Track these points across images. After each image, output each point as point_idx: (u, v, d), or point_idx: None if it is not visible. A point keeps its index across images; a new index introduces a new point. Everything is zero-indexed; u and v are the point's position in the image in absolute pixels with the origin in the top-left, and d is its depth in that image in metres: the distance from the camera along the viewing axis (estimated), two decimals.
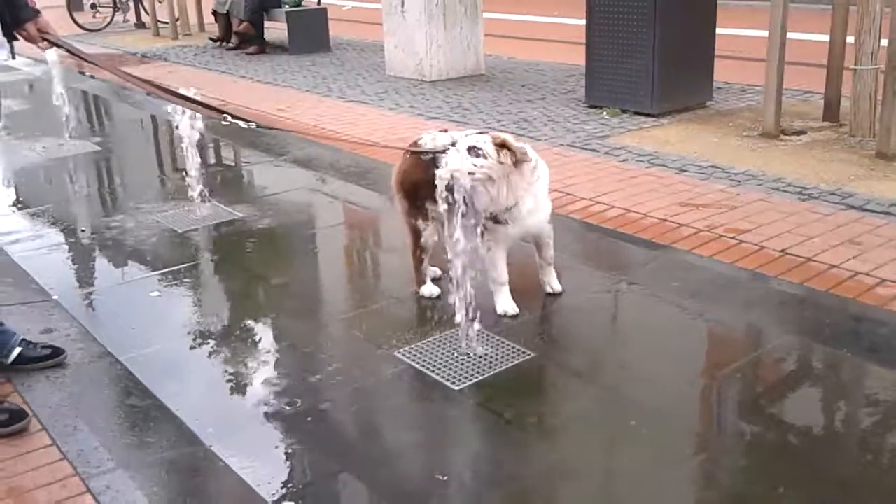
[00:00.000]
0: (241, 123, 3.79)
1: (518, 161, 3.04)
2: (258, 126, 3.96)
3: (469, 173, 2.91)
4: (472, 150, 2.95)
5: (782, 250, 3.76)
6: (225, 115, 3.79)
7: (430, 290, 3.56)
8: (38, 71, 9.90)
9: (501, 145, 3.00)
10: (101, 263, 4.27)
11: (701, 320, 3.39)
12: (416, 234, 3.42)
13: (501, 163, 2.99)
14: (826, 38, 5.80)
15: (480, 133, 3.09)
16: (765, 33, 5.54)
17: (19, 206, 5.25)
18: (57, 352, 3.12)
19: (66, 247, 4.48)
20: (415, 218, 3.39)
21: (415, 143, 3.35)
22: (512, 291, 3.38)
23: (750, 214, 4.20)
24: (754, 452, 2.58)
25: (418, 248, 3.46)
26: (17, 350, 3.01)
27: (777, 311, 3.42)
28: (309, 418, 2.77)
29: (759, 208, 4.28)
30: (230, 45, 10.73)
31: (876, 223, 4.03)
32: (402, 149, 3.49)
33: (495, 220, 3.19)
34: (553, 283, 3.53)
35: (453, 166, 2.90)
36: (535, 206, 3.20)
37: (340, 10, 14.78)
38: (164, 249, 4.32)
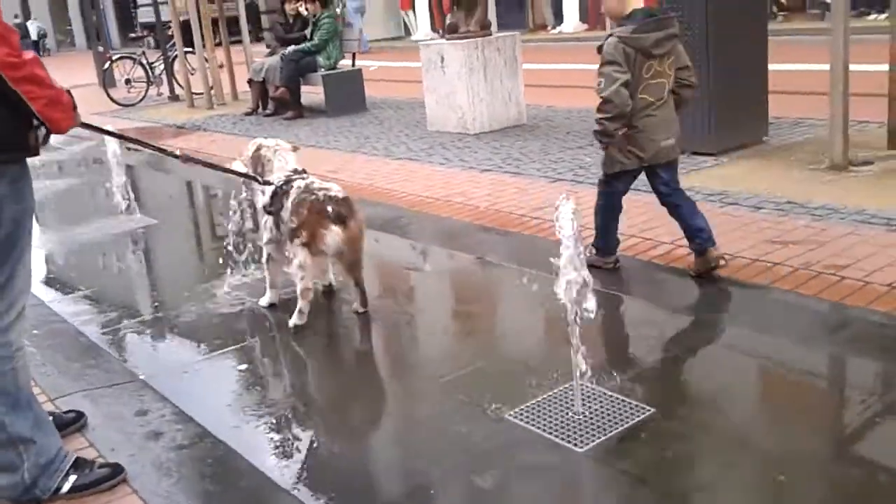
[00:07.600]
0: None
1: None
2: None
3: None
4: None
5: (889, 284, 3.62)
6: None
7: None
8: (77, 149, 9.99)
9: None
10: (181, 340, 4.14)
11: (822, 362, 3.24)
12: None
13: None
14: (877, 67, 5.72)
15: None
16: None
17: (87, 286, 5.10)
18: (116, 471, 2.82)
19: (144, 325, 4.33)
20: None
21: None
22: (619, 348, 3.26)
23: (843, 249, 4.06)
24: None
25: None
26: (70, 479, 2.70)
27: None
28: (431, 490, 2.64)
29: (851, 242, 4.15)
30: (267, 111, 10.81)
31: None
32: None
33: None
34: None
35: None
36: None
37: (367, 70, 14.90)
38: (243, 322, 4.22)
